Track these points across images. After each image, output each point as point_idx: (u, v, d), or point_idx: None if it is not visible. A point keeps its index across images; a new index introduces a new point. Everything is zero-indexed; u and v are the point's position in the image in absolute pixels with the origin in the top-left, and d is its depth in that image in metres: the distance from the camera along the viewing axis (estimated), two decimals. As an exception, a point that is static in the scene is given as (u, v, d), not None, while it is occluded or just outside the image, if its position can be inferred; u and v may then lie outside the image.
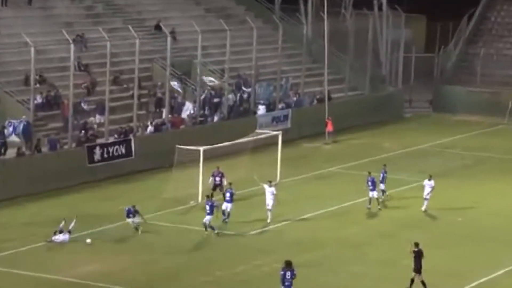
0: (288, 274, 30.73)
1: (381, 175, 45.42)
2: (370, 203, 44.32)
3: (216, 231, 39.50)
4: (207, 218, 39.77)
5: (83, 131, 50.17)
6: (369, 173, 44.92)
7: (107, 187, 47.61)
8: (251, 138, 50.12)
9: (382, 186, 45.27)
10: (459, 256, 38.21)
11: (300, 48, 64.48)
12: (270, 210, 41.59)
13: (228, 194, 41.66)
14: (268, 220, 41.47)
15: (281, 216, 41.86)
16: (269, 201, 41.63)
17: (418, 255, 33.24)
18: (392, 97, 69.68)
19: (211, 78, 59.16)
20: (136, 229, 39.49)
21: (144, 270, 35.74)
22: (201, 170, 44.95)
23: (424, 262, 33.28)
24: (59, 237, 38.08)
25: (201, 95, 56.95)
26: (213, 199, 42.15)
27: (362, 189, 45.14)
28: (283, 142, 50.80)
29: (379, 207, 44.35)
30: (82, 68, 55.49)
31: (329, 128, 60.39)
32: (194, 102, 56.51)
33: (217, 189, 44.81)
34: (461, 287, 34.64)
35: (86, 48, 57.23)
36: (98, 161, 48.94)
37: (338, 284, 34.75)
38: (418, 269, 33.19)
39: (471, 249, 39.12)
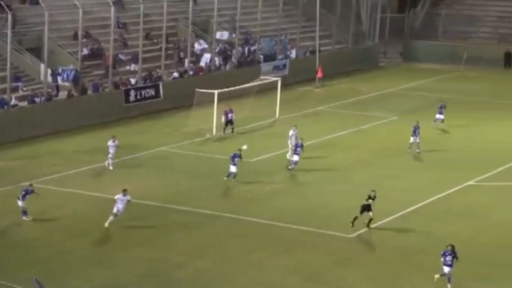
0: None
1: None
2: (410, 147, 41.26)
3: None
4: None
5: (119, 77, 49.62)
6: (417, 122, 41.61)
7: (139, 122, 47.13)
8: (256, 83, 49.54)
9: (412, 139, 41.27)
10: (425, 178, 37.74)
11: (297, 9, 63.53)
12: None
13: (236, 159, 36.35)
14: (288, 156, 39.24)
15: (281, 145, 41.33)
16: (293, 141, 39.18)
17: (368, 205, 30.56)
18: (370, 50, 68.87)
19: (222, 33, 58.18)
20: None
21: (169, 190, 35.41)
22: (215, 109, 44.39)
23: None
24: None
25: (216, 48, 56.13)
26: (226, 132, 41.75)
27: (345, 124, 44.49)
28: (281, 86, 50.22)
29: (418, 150, 41.44)
30: (121, 26, 54.61)
31: (319, 74, 59.68)
32: (211, 53, 55.71)
33: (229, 124, 44.25)
34: (425, 200, 34.27)
35: (124, 9, 56.29)
36: (132, 102, 48.42)
37: (323, 200, 34.44)
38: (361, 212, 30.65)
39: (434, 173, 38.63)
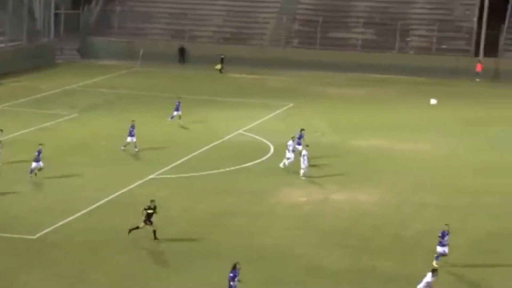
0: None
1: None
2: None
3: None
4: None
5: None
6: (133, 121, 40.90)
7: None
8: None
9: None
10: (110, 173, 37.71)
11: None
12: None
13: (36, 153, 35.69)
14: None
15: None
16: None
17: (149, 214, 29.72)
18: (46, 47, 67.65)
19: None
20: None
21: None
22: None
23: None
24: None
25: None
26: None
27: (26, 123, 43.09)
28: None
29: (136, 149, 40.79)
30: None
31: (-8, 73, 57.64)
32: None
33: None
34: (110, 195, 34.25)
35: None
36: None
37: (2, 203, 33.22)
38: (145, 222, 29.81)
39: (118, 168, 38.69)
